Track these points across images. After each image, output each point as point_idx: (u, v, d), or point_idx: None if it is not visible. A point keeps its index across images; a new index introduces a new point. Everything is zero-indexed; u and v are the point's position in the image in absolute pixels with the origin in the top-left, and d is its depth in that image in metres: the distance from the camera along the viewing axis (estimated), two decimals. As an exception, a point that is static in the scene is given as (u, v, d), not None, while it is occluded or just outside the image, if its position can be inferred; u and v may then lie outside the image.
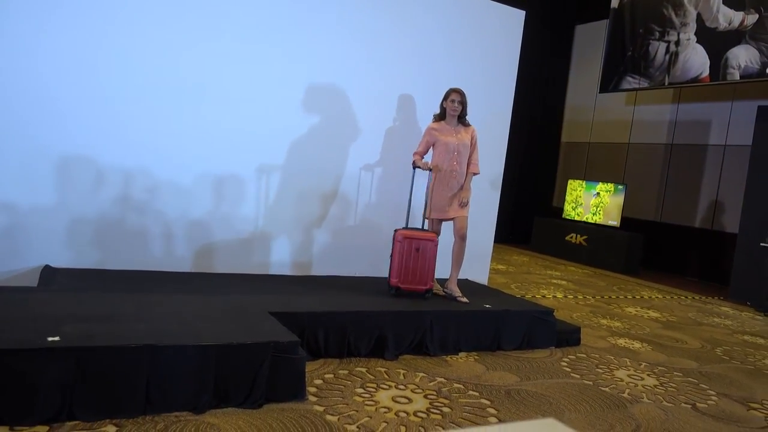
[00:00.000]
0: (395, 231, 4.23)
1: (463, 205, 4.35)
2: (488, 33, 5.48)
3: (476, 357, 3.82)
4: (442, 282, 4.44)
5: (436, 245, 4.22)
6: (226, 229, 4.48)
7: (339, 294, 4.09)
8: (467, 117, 4.43)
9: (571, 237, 9.59)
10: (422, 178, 4.46)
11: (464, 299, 4.26)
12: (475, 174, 4.44)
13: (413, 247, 4.14)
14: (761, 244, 6.73)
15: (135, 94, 4.03)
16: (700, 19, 8.19)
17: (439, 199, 4.36)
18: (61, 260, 3.90)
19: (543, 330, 4.23)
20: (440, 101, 4.42)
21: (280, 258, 4.72)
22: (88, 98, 3.89)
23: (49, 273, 3.70)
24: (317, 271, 4.86)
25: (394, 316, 3.68)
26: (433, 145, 4.40)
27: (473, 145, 4.42)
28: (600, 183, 9.53)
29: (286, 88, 4.57)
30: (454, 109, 4.33)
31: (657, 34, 8.81)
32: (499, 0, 5.64)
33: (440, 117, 4.44)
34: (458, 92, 4.34)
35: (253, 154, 4.49)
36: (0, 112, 3.65)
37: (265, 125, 4.50)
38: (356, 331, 3.53)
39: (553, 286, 6.91)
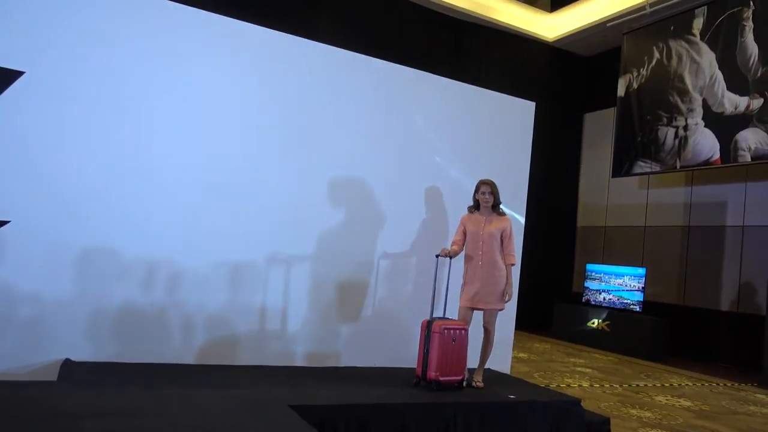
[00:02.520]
0: (431, 321, 4.14)
1: (506, 299, 4.37)
2: (502, 124, 5.64)
3: (503, 451, 3.67)
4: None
5: (467, 333, 4.19)
6: (245, 320, 4.46)
7: (359, 385, 4.00)
8: (501, 206, 4.49)
9: (593, 323, 9.40)
10: (444, 267, 4.45)
11: (479, 384, 4.23)
12: (511, 265, 4.44)
13: (450, 337, 4.08)
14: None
15: (152, 186, 4.15)
16: (706, 104, 8.39)
17: (469, 288, 4.38)
18: (81, 353, 3.89)
19: (571, 421, 4.06)
20: (472, 194, 4.51)
21: (301, 348, 4.66)
22: (108, 191, 4.01)
23: (68, 367, 3.69)
24: (338, 361, 4.78)
25: (416, 409, 3.57)
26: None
27: (506, 235, 4.42)
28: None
29: (308, 181, 4.67)
30: (485, 200, 4.42)
31: (665, 119, 9.02)
32: (510, 93, 5.85)
33: (474, 208, 4.52)
34: (487, 184, 4.43)
35: (272, 243, 4.54)
36: (26, 206, 3.77)
37: (285, 215, 4.58)
38: (378, 424, 3.42)
39: (578, 375, 6.71)
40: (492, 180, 4.46)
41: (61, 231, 3.87)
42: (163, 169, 4.19)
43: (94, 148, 3.99)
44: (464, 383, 4.19)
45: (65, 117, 3.91)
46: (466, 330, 4.21)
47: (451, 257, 4.36)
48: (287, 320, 4.63)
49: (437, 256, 4.36)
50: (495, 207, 4.47)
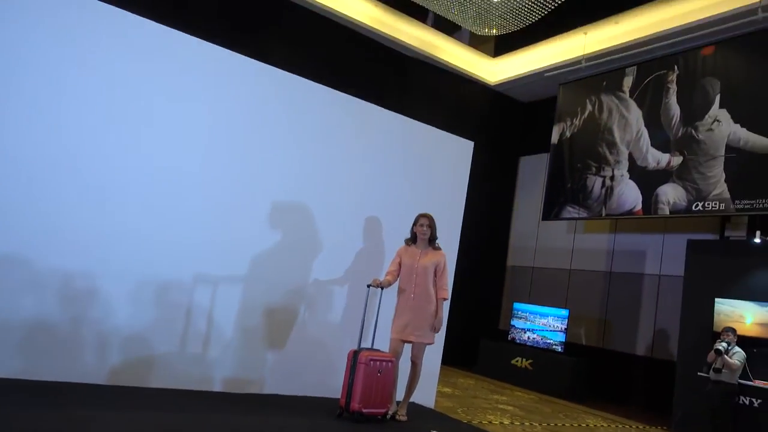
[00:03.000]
0: (358, 352, 4.10)
1: (435, 330, 4.40)
2: (441, 160, 5.76)
3: (422, 487, 3.64)
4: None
5: (395, 366, 4.19)
6: (164, 340, 4.28)
7: (279, 414, 3.91)
8: (437, 241, 4.54)
9: (517, 361, 9.57)
10: (375, 298, 4.43)
11: (403, 417, 4.24)
12: (444, 299, 4.47)
13: (376, 369, 4.04)
14: (699, 373, 6.86)
15: (75, 196, 3.96)
16: (631, 158, 8.86)
17: (400, 319, 4.38)
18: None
19: (491, 458, 4.11)
20: (411, 226, 4.54)
21: (223, 373, 4.50)
22: (21, 195, 3.80)
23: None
24: (262, 388, 4.64)
25: (338, 441, 3.52)
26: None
27: (440, 269, 4.47)
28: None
29: (244, 202, 4.60)
30: (423, 233, 4.47)
31: (593, 169, 9.44)
32: (450, 131, 5.99)
33: (412, 240, 4.54)
34: (426, 217, 4.49)
35: (200, 263, 4.41)
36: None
37: (217, 235, 4.47)
38: (297, 456, 3.34)
39: (499, 412, 6.78)
40: (431, 214, 4.52)
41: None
42: (85, 172, 4.01)
43: (6, 150, 3.77)
44: (388, 416, 4.17)
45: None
46: (393, 362, 4.21)
47: (382, 288, 4.36)
48: (210, 343, 4.47)
49: (368, 286, 4.35)
50: (432, 241, 4.51)
